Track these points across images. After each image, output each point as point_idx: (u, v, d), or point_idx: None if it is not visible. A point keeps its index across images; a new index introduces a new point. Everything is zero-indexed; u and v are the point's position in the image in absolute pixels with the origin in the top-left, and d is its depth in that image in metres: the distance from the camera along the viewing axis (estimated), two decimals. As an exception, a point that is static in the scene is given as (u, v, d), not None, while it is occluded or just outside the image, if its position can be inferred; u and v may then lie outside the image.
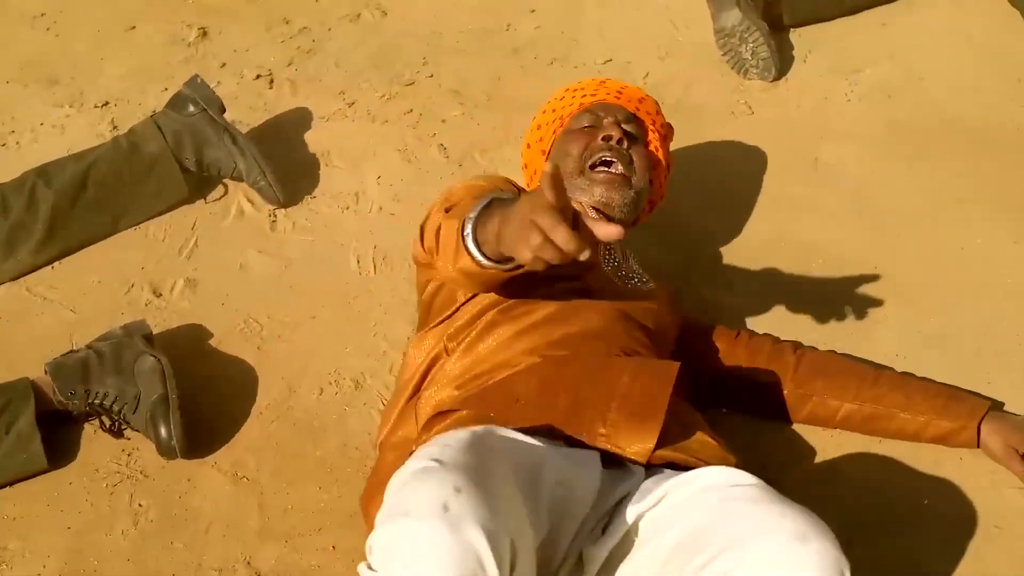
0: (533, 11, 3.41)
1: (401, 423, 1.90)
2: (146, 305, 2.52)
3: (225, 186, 2.83)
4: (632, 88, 2.29)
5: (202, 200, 2.80)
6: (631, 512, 1.58)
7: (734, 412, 2.21)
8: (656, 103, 2.31)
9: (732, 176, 2.81)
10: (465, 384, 1.82)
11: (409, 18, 3.40)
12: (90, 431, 2.26)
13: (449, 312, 1.94)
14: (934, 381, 2.16)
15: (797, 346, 2.18)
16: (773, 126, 2.94)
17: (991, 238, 2.62)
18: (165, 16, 3.42)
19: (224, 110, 2.78)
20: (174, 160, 2.72)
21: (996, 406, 2.13)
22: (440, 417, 1.74)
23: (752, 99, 3.04)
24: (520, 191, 1.97)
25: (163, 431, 2.13)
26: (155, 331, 2.43)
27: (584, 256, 1.30)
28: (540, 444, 1.56)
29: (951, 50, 3.15)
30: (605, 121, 2.14)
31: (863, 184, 2.75)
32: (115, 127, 3.00)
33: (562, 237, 1.29)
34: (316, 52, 3.27)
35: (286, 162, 2.84)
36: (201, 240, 2.68)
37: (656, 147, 2.20)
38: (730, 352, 2.17)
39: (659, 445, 1.62)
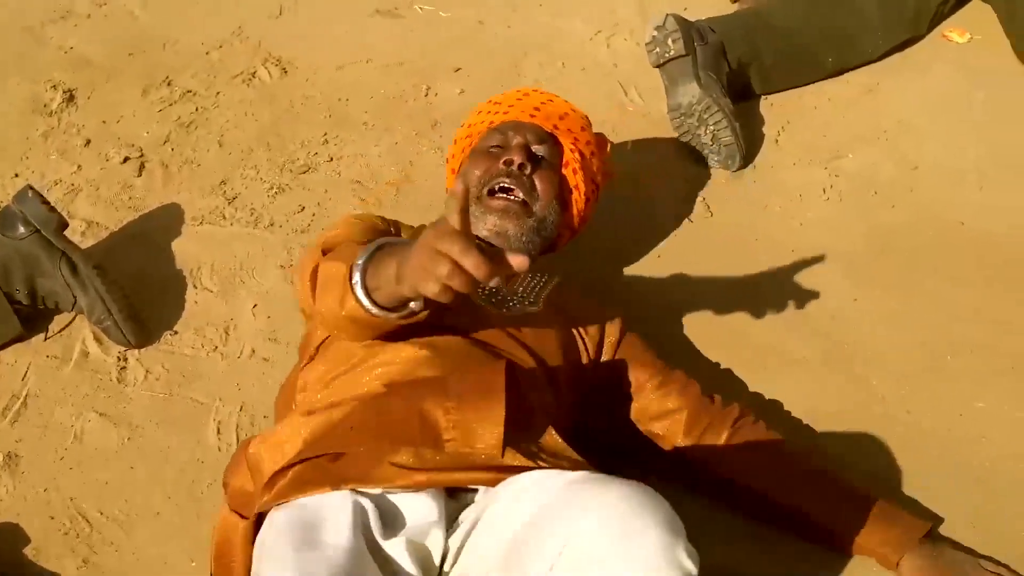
0: (458, 70, 2.86)
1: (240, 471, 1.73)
2: (-47, 493, 2.00)
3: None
4: (556, 103, 2.12)
5: (42, 335, 2.25)
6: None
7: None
8: (584, 118, 2.14)
9: (682, 304, 2.32)
10: (313, 420, 1.67)
11: (313, 78, 2.87)
12: None
13: (310, 355, 1.83)
14: (863, 493, 1.89)
15: (734, 421, 1.94)
16: (736, 235, 2.44)
17: (997, 401, 2.14)
18: (31, 72, 2.89)
19: (65, 227, 2.27)
20: (1, 293, 2.19)
21: (935, 530, 1.89)
22: (280, 474, 1.57)
23: (712, 195, 2.52)
24: (398, 230, 1.92)
25: None
26: (-41, 532, 1.91)
27: (494, 283, 1.25)
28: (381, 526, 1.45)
29: (949, 129, 2.63)
30: (513, 142, 2.00)
31: (841, 322, 2.26)
32: (-51, 230, 2.44)
33: (472, 262, 1.24)
34: (198, 125, 2.73)
35: (145, 284, 2.36)
36: (32, 396, 2.20)
37: (575, 169, 2.04)
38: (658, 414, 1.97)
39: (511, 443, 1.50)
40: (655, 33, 2.59)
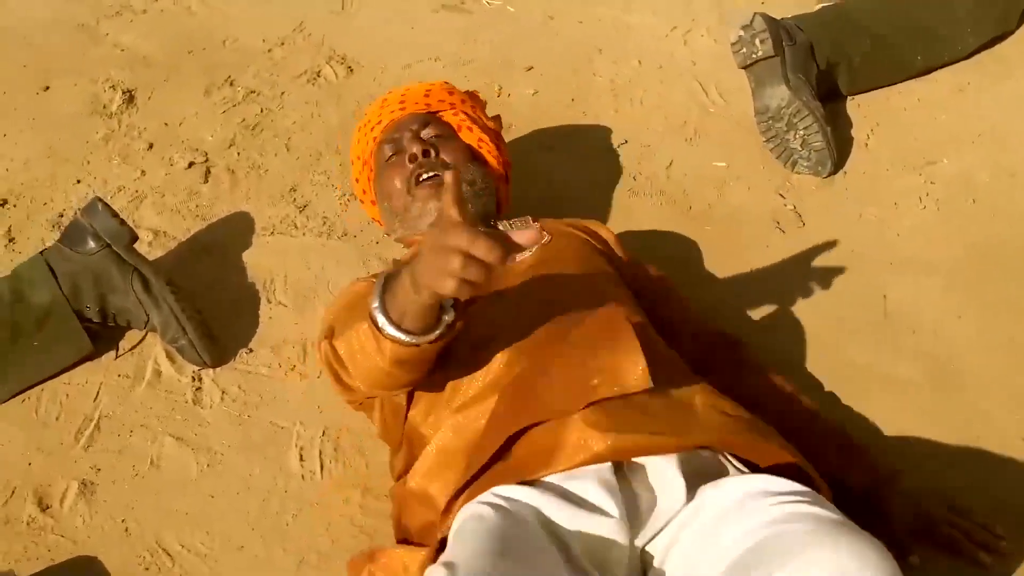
0: (530, 69, 2.75)
1: (407, 512, 1.69)
2: (28, 524, 1.97)
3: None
4: (412, 89, 2.19)
5: (112, 352, 2.17)
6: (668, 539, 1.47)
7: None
8: (446, 83, 2.21)
9: (775, 319, 2.23)
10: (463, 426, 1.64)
11: (380, 77, 2.77)
12: None
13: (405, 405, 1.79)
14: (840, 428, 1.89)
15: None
16: (830, 246, 2.30)
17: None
18: (88, 70, 2.79)
19: (135, 240, 2.18)
20: (71, 311, 2.12)
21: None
22: (455, 500, 1.53)
23: (802, 203, 2.41)
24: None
25: None
26: (37, 565, 1.91)
27: (510, 261, 1.25)
28: (559, 518, 1.42)
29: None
30: (403, 142, 2.05)
31: (945, 340, 2.16)
32: (11, 239, 2.38)
33: (484, 248, 1.23)
34: (264, 128, 2.63)
35: (216, 298, 2.28)
36: (105, 419, 2.10)
37: (468, 127, 2.12)
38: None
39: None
40: (742, 33, 2.48)
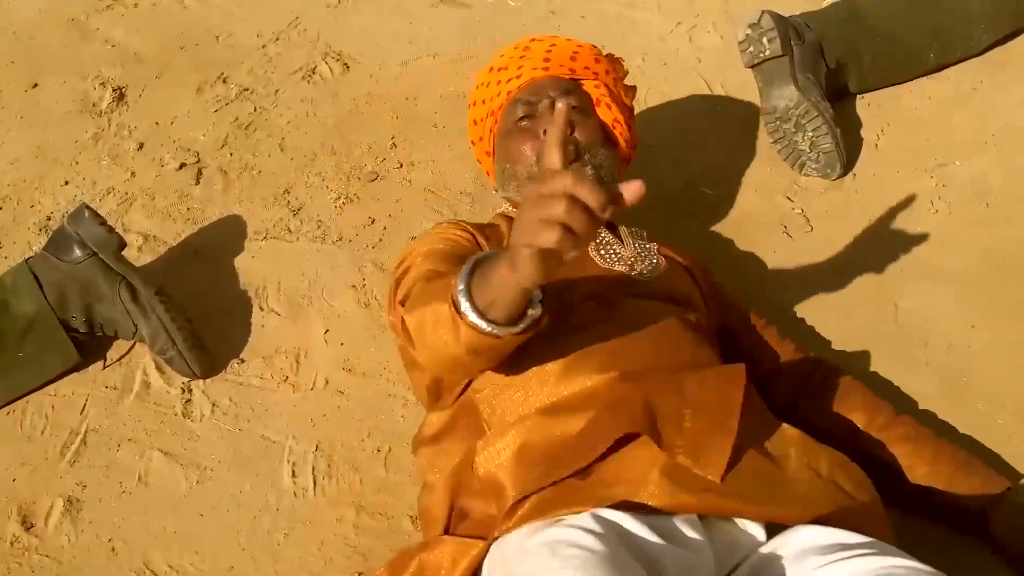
0: (532, 66, 2.65)
1: (466, 493, 1.57)
2: (12, 543, 1.91)
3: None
4: (560, 45, 2.02)
5: (99, 363, 2.10)
6: None
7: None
8: (593, 48, 2.04)
9: (781, 328, 2.10)
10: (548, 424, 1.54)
11: (377, 75, 2.69)
12: None
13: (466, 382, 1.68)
14: (949, 443, 1.83)
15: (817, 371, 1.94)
16: (838, 251, 2.24)
17: None
18: (78, 67, 2.72)
19: (123, 247, 2.11)
20: (56, 321, 2.05)
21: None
22: (520, 503, 1.44)
23: (810, 206, 2.34)
24: (474, 234, 1.83)
25: None
26: (21, 587, 1.78)
27: (609, 213, 1.16)
28: (654, 540, 1.33)
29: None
30: (540, 107, 1.93)
31: (958, 351, 2.10)
32: (-2, 244, 2.30)
33: (588, 190, 1.15)
34: (257, 127, 2.56)
35: (207, 306, 2.21)
36: (92, 433, 2.04)
37: (608, 104, 1.99)
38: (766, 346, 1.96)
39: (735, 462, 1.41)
40: (749, 31, 2.40)
